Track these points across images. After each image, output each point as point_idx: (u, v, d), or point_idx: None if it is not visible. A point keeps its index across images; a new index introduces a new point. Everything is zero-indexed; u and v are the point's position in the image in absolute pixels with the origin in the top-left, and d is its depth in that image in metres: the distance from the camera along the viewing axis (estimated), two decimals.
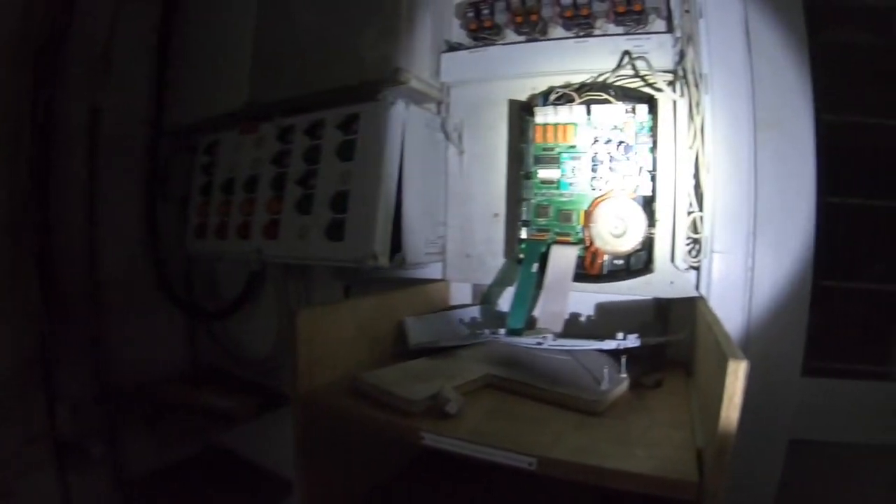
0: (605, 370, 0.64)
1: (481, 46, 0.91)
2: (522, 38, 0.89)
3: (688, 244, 0.79)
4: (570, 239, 0.83)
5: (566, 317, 0.77)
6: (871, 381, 0.86)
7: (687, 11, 0.79)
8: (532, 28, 0.87)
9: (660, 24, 0.82)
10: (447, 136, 0.94)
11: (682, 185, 0.78)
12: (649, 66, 0.79)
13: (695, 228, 0.78)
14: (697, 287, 0.79)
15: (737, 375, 0.42)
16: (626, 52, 0.80)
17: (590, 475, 0.48)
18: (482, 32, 0.91)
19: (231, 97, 1.03)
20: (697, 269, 0.79)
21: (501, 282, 0.90)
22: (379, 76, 0.84)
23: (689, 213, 0.78)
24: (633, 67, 0.80)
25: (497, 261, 0.91)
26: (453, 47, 0.93)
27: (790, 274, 0.79)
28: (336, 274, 1.05)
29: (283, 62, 0.97)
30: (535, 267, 0.81)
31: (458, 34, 0.94)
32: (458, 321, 0.86)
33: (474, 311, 0.90)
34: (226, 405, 1.12)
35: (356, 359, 0.73)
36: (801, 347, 0.80)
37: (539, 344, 0.71)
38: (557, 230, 0.83)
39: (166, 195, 1.23)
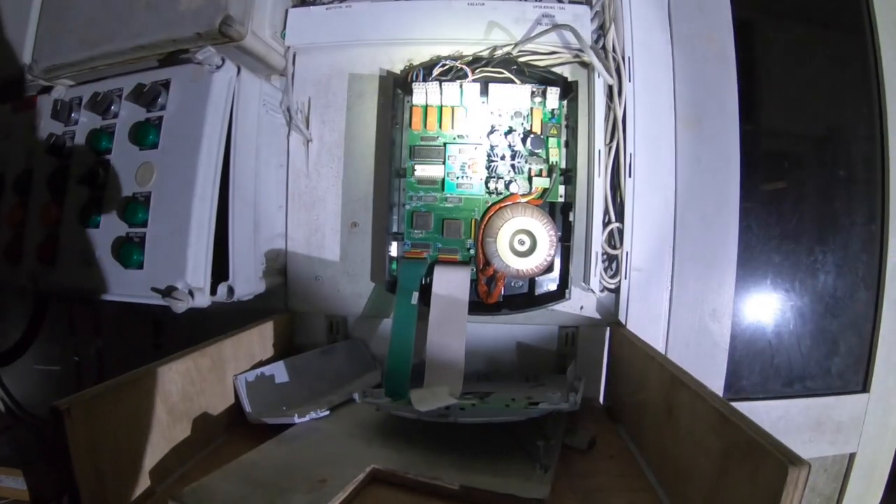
0: (540, 444, 0.45)
1: (340, 3, 0.67)
2: None
3: (603, 261, 0.63)
4: (458, 257, 0.63)
5: (462, 365, 0.57)
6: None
7: None
8: None
9: None
10: (290, 119, 0.69)
11: (599, 189, 0.61)
12: (562, 42, 0.61)
13: (611, 242, 0.62)
14: (617, 312, 0.63)
15: (797, 485, 0.28)
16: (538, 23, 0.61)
17: None
18: None
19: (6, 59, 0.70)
20: (614, 291, 0.63)
21: (370, 314, 0.68)
22: (200, 28, 0.58)
23: (606, 223, 0.62)
24: (532, 39, 0.61)
25: (357, 285, 0.68)
26: (304, 2, 0.69)
27: (711, 293, 0.66)
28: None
29: (78, 12, 0.66)
30: (414, 297, 0.60)
31: None
32: (313, 374, 0.62)
33: (336, 355, 0.67)
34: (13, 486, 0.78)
35: (174, 457, 0.47)
36: (721, 380, 0.67)
37: (444, 417, 0.49)
38: (441, 245, 0.63)
39: None
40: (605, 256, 0.63)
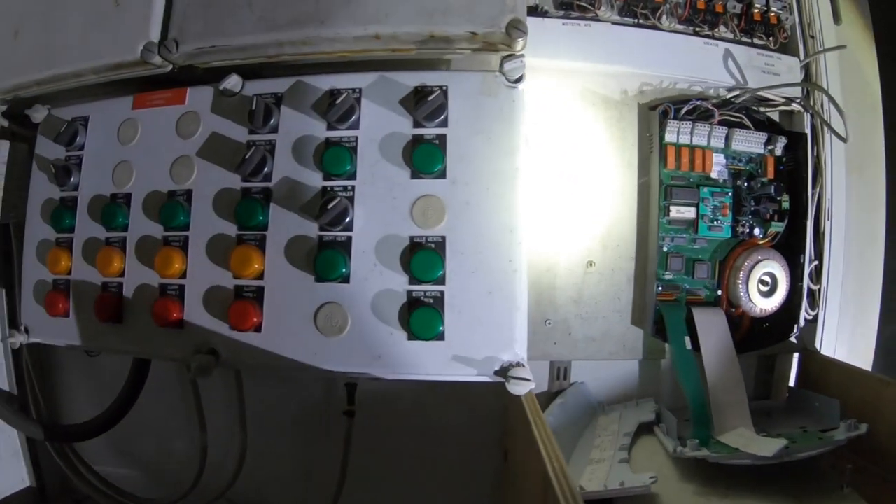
0: (848, 467, 0.46)
1: (577, 19, 0.60)
2: (627, 20, 0.62)
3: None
4: (702, 297, 0.61)
5: (747, 406, 0.55)
6: None
7: (811, 36, 0.66)
8: (650, 12, 0.61)
9: (778, 44, 0.66)
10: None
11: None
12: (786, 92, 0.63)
13: (811, 278, 0.67)
14: (815, 342, 0.68)
15: None
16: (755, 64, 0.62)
17: None
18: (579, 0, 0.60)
19: (114, 38, 0.45)
20: (813, 322, 0.68)
21: (614, 358, 0.62)
22: (477, 26, 0.45)
23: (811, 261, 0.66)
24: (769, 89, 0.62)
25: (591, 328, 0.62)
26: (539, 11, 0.59)
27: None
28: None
29: None
30: (687, 342, 0.57)
31: None
32: (593, 437, 0.55)
33: (578, 406, 0.60)
34: None
35: None
36: None
37: (781, 456, 0.46)
38: (688, 286, 0.61)
39: None
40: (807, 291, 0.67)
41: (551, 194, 0.60)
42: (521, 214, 0.43)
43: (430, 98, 0.42)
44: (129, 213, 0.49)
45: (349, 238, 0.43)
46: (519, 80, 0.45)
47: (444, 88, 0.44)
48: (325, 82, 0.46)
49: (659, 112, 0.59)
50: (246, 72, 0.50)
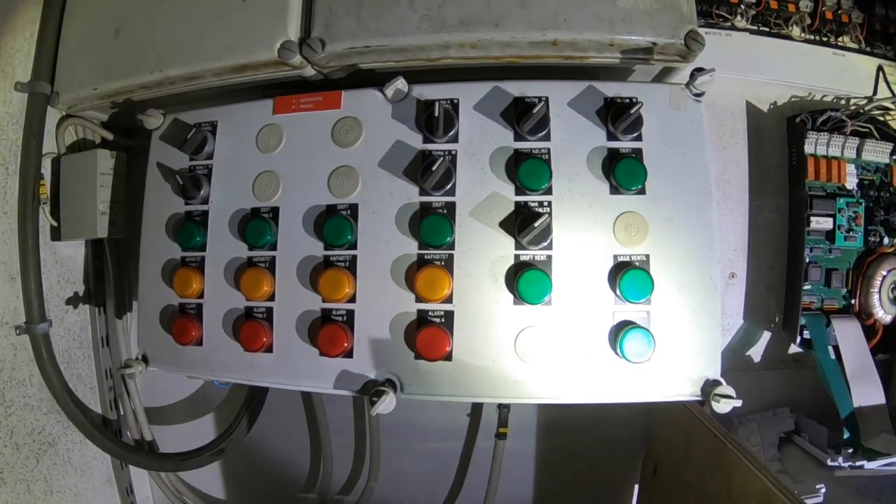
0: None
1: (716, 28, 0.56)
2: (759, 29, 0.59)
3: None
4: (836, 306, 0.59)
5: (887, 413, 0.53)
6: None
7: None
8: (783, 22, 0.58)
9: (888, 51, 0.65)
10: None
11: None
12: None
13: None
14: None
15: None
16: (881, 72, 0.60)
17: None
18: (718, 8, 0.56)
19: (246, 33, 0.40)
20: None
21: (757, 369, 0.60)
22: (658, 36, 0.41)
23: None
24: (894, 96, 0.60)
25: (734, 340, 0.59)
26: None
27: None
28: None
29: None
30: (831, 351, 0.54)
31: None
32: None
33: None
34: None
35: None
36: None
37: None
38: (823, 296, 0.58)
39: (62, 228, 0.51)
40: None
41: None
42: (716, 230, 0.39)
43: (632, 111, 0.38)
44: (279, 230, 0.43)
45: (549, 257, 0.38)
46: (702, 94, 0.41)
47: (637, 101, 0.40)
48: (513, 89, 0.41)
49: (798, 122, 0.57)
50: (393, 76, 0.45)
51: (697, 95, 0.42)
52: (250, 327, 0.43)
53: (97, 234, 0.54)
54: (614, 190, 0.39)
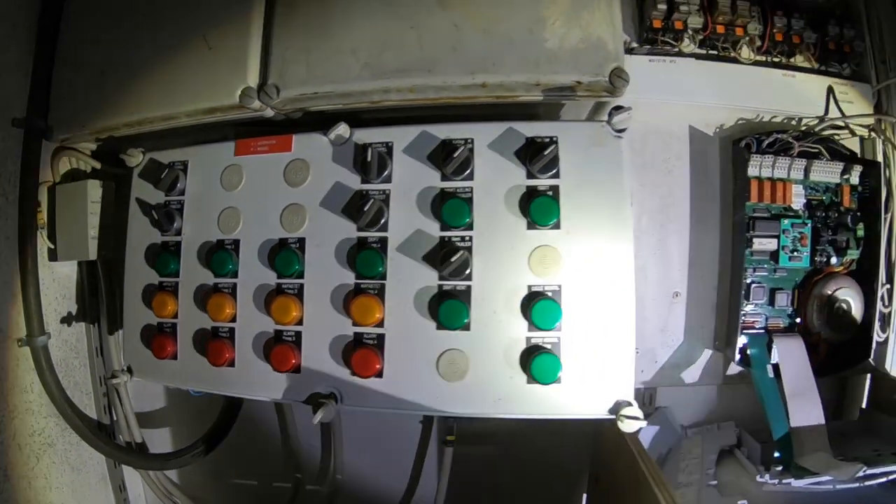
0: None
1: (662, 55, 0.61)
2: (706, 53, 0.63)
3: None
4: (781, 325, 0.63)
5: (825, 430, 0.58)
6: None
7: (882, 62, 0.67)
8: (731, 45, 0.62)
9: (849, 71, 0.68)
10: None
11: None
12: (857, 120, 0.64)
13: (883, 302, 0.69)
14: (885, 363, 0.70)
15: None
16: (831, 93, 0.64)
17: None
18: (663, 34, 0.61)
19: (212, 81, 0.48)
20: (882, 344, 0.70)
21: (696, 384, 0.65)
22: (582, 74, 0.47)
23: (882, 285, 0.68)
24: (845, 120, 0.64)
25: (675, 356, 0.64)
26: (628, 49, 0.61)
27: None
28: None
29: (346, 20, 0.48)
30: (770, 370, 0.59)
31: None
32: (679, 461, 0.57)
33: (660, 434, 0.63)
34: None
35: None
36: None
37: (860, 481, 0.49)
38: (768, 315, 0.63)
39: (57, 250, 0.61)
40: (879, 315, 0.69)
41: (640, 225, 0.62)
42: (631, 262, 0.45)
43: (546, 152, 0.44)
44: (239, 260, 0.51)
45: (468, 287, 0.45)
46: (623, 130, 0.47)
47: (556, 139, 0.46)
48: (440, 132, 0.47)
49: (742, 146, 0.61)
50: (345, 117, 0.51)
51: (619, 131, 0.47)
52: (216, 345, 0.51)
53: (88, 256, 0.63)
54: (531, 225, 0.45)
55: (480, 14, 0.49)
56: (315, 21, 0.51)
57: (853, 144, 0.68)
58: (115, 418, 0.70)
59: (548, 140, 0.46)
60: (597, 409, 0.44)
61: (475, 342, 0.44)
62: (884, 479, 0.53)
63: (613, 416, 0.43)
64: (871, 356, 0.65)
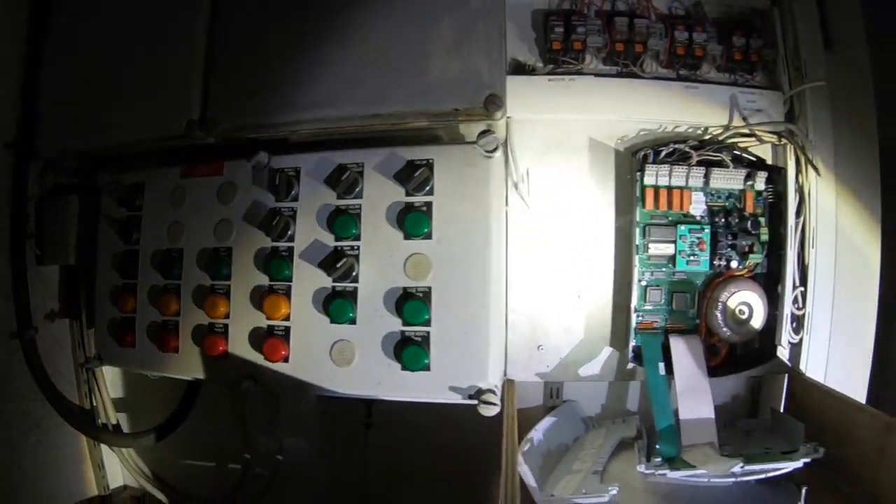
0: (804, 488, 0.61)
1: (561, 74, 0.75)
2: (611, 70, 0.77)
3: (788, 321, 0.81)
4: (683, 326, 0.76)
5: (714, 427, 0.71)
6: None
7: (796, 68, 0.78)
8: (631, 60, 0.76)
9: (762, 79, 0.79)
10: (515, 192, 0.76)
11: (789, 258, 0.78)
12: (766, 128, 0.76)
13: (796, 305, 0.80)
14: (798, 363, 0.81)
15: None
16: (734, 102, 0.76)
17: None
18: (564, 55, 0.75)
19: (164, 114, 0.66)
20: (797, 345, 0.82)
21: (598, 379, 0.79)
22: (459, 103, 0.63)
23: (794, 287, 0.80)
24: (750, 128, 0.76)
25: (578, 354, 0.79)
26: (523, 69, 0.75)
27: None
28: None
29: (268, 63, 0.65)
30: (661, 367, 0.72)
31: (515, 49, 0.77)
32: (565, 442, 0.72)
33: (568, 420, 0.77)
34: None
35: None
36: None
37: (733, 476, 0.62)
38: (667, 316, 0.76)
39: (43, 256, 0.82)
40: (791, 316, 0.81)
41: (546, 233, 0.76)
42: (495, 266, 0.60)
43: (416, 174, 0.60)
44: (183, 266, 0.70)
45: (356, 289, 0.62)
46: (494, 150, 0.62)
47: (431, 161, 0.62)
48: (337, 158, 0.64)
49: (639, 157, 0.74)
50: (272, 143, 0.69)
51: (490, 151, 0.63)
52: (164, 336, 0.70)
53: (69, 261, 0.84)
54: (407, 236, 0.61)
55: (375, 52, 0.65)
56: (244, 63, 0.70)
57: (765, 152, 0.80)
58: (94, 403, 0.91)
59: (423, 162, 0.62)
60: (461, 395, 0.60)
61: (360, 335, 0.61)
62: (762, 476, 0.65)
63: (475, 402, 0.59)
64: (786, 357, 0.77)
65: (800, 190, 0.78)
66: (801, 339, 0.80)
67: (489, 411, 0.58)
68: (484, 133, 0.62)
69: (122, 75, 0.77)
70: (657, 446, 0.69)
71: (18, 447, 0.81)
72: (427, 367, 0.59)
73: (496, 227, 0.61)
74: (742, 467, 0.63)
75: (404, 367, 0.60)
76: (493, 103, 0.63)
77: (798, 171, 0.78)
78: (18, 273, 0.81)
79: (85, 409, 0.91)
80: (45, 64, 0.83)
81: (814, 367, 0.81)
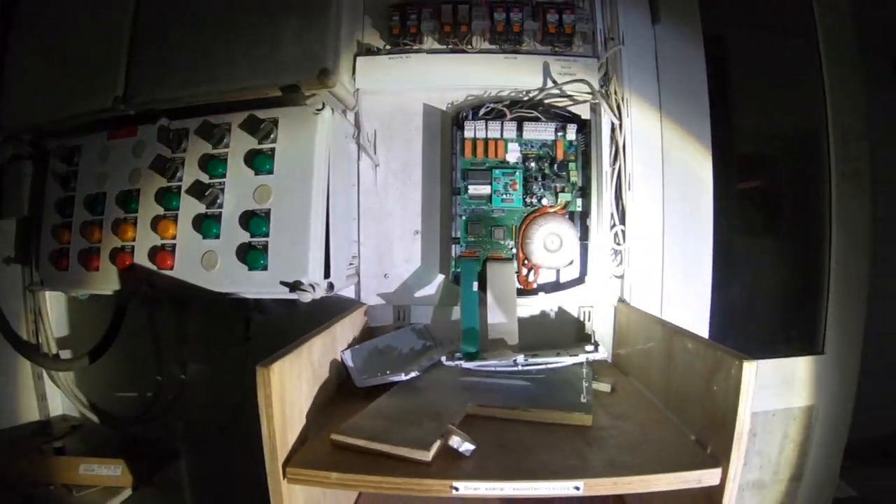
0: (584, 384, 1.11)
1: (400, 52, 1.35)
2: (445, 47, 1.35)
3: (611, 255, 1.33)
4: (503, 255, 1.31)
5: (517, 335, 1.24)
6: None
7: (612, 39, 1.34)
8: (460, 39, 1.34)
9: (584, 49, 1.35)
10: (361, 148, 1.35)
11: (606, 200, 1.31)
12: (579, 88, 1.32)
13: (616, 240, 1.33)
14: (622, 293, 1.33)
15: (753, 375, 0.80)
16: (547, 68, 1.32)
17: (635, 486, 0.80)
18: (403, 38, 1.35)
19: (97, 93, 1.31)
20: (620, 277, 1.34)
21: (438, 303, 1.35)
22: (300, 77, 1.23)
23: (612, 226, 1.32)
24: (560, 88, 1.31)
25: (419, 280, 1.35)
26: (370, 51, 1.36)
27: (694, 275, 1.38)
28: (233, 305, 1.38)
29: (171, 52, 1.29)
30: (475, 286, 1.27)
31: (369, 36, 1.38)
32: (398, 349, 1.27)
33: (407, 335, 1.33)
34: (108, 473, 1.35)
35: (315, 411, 1.08)
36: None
37: (514, 365, 1.15)
38: (489, 247, 1.31)
39: (2, 211, 1.47)
40: (612, 251, 1.33)
41: (390, 181, 1.34)
42: (315, 194, 1.19)
43: (262, 126, 1.21)
44: (105, 204, 1.33)
45: (220, 213, 1.22)
46: (321, 109, 1.21)
47: (276, 119, 1.22)
48: (214, 119, 1.26)
49: (461, 117, 1.31)
50: (172, 111, 1.32)
51: (318, 111, 1.22)
52: (88, 258, 1.33)
53: (24, 213, 1.51)
54: (256, 173, 1.21)
55: (244, 43, 1.27)
56: (156, 50, 1.34)
57: (584, 110, 1.34)
58: (38, 334, 1.56)
59: (269, 120, 1.22)
60: (286, 289, 1.17)
61: (222, 246, 1.20)
62: (542, 367, 1.17)
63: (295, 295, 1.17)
64: (585, 283, 1.30)
65: (614, 140, 1.32)
66: (623, 273, 1.33)
67: (305, 297, 1.15)
68: (310, 97, 1.22)
69: (65, 61, 1.43)
70: (462, 347, 1.23)
71: None
72: (265, 268, 1.17)
73: (318, 166, 1.19)
74: (526, 359, 1.17)
75: (250, 268, 1.18)
76: (324, 75, 1.23)
77: (617, 126, 1.32)
78: None
79: (31, 342, 1.57)
80: (9, 50, 1.52)
81: (646, 297, 1.33)
